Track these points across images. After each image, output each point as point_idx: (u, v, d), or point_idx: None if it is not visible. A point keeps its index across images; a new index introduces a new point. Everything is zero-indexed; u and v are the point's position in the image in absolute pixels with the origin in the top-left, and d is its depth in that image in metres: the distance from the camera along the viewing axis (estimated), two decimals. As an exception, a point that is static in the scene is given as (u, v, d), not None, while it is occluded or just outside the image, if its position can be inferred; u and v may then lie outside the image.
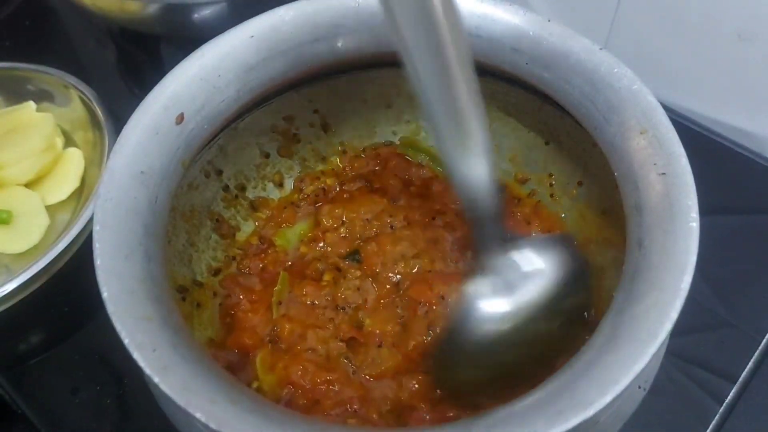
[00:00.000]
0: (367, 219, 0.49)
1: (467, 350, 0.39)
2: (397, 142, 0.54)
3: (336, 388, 0.43)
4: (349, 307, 0.46)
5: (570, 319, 0.41)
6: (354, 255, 0.48)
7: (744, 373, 0.50)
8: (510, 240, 0.39)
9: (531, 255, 0.39)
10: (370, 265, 0.47)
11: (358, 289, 0.46)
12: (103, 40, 0.76)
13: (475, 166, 0.35)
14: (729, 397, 0.49)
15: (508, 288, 0.38)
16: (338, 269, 0.48)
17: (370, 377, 0.43)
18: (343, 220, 0.50)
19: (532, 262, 0.38)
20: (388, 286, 0.46)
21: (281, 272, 0.48)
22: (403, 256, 0.47)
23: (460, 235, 0.48)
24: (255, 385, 0.43)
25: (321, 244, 0.49)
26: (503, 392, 0.40)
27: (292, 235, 0.51)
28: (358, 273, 0.47)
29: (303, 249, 0.49)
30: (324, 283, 0.47)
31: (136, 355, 0.32)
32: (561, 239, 0.42)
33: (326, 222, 0.50)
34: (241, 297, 0.47)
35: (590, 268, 0.43)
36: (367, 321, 0.45)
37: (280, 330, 0.45)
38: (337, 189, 0.53)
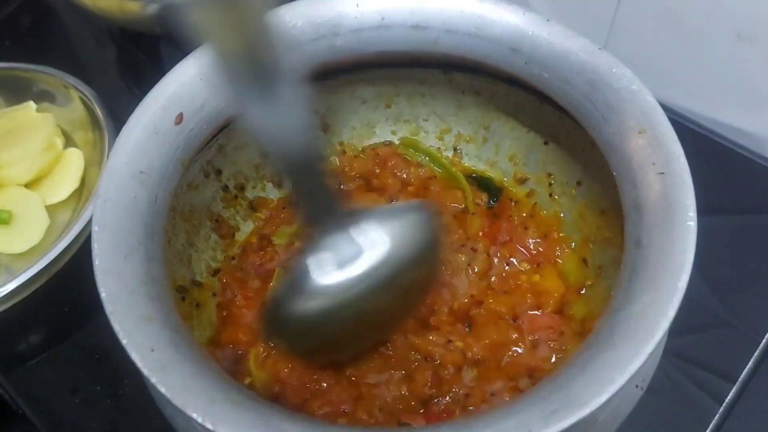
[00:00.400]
0: None
1: (298, 321, 0.37)
2: (397, 143, 0.54)
3: (324, 387, 0.43)
4: None
5: (412, 290, 0.40)
6: None
7: (744, 373, 0.50)
8: (346, 213, 0.36)
9: (369, 228, 0.35)
10: None
11: None
12: (103, 40, 0.76)
13: (281, 102, 0.30)
14: (729, 397, 0.49)
15: (340, 264, 0.35)
16: None
17: (353, 376, 0.43)
18: None
19: (369, 237, 0.35)
20: None
21: (276, 269, 0.48)
22: None
23: (457, 237, 0.48)
24: (247, 381, 0.43)
25: None
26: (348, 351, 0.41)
27: (291, 234, 0.51)
28: None
29: (297, 244, 0.49)
30: None
31: (134, 356, 0.32)
32: (411, 209, 0.38)
33: None
34: (237, 293, 0.47)
35: (440, 240, 0.40)
36: None
37: None
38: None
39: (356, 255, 0.35)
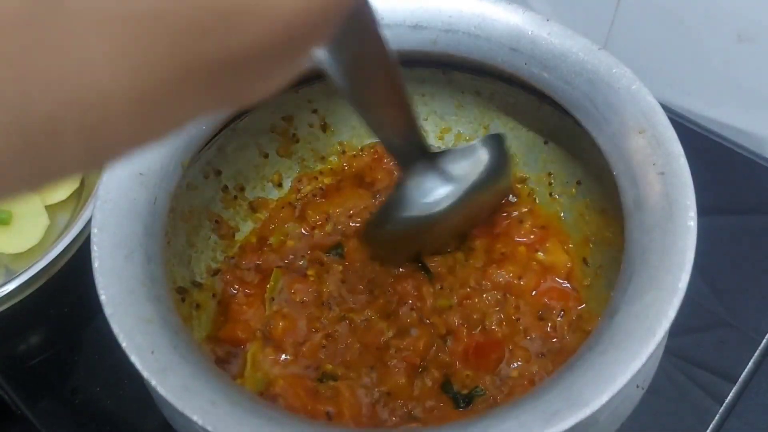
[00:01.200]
0: (350, 215, 0.50)
1: (395, 231, 0.44)
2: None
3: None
4: (335, 303, 0.46)
5: (486, 204, 0.47)
6: (337, 249, 0.48)
7: (744, 373, 0.50)
8: (430, 153, 0.42)
9: (453, 164, 0.42)
10: (351, 261, 0.48)
11: (343, 282, 0.47)
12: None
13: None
14: (729, 397, 0.49)
15: (432, 189, 0.42)
16: (321, 264, 0.48)
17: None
18: (328, 216, 0.50)
19: (453, 170, 0.42)
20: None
21: (274, 269, 0.48)
22: None
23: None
24: (237, 381, 0.43)
25: (305, 238, 0.50)
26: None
27: (286, 234, 0.51)
28: (341, 267, 0.47)
29: (290, 243, 0.49)
30: (311, 279, 0.47)
31: (134, 358, 0.32)
32: (484, 141, 0.44)
33: (312, 217, 0.50)
34: (237, 288, 0.47)
35: (509, 159, 0.48)
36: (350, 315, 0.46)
37: (274, 327, 0.45)
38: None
39: (445, 182, 0.42)
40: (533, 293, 0.46)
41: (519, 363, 0.43)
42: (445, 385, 0.43)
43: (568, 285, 0.46)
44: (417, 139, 0.40)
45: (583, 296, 0.46)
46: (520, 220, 0.49)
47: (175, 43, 0.15)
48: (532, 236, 0.48)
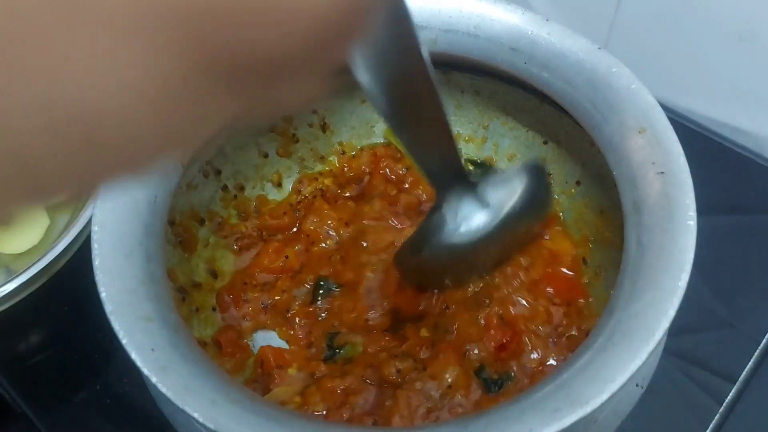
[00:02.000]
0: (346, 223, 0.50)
1: (428, 259, 0.42)
2: (383, 139, 0.54)
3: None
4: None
5: (520, 239, 0.46)
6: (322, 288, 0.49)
7: (744, 373, 0.50)
8: (467, 178, 0.39)
9: (492, 190, 0.40)
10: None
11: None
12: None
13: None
14: (729, 397, 0.49)
15: (465, 220, 0.40)
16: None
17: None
18: (326, 225, 0.50)
19: (492, 197, 0.40)
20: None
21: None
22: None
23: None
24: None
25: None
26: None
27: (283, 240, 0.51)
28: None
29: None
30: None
31: (135, 356, 0.32)
32: (523, 171, 0.42)
33: (310, 227, 0.50)
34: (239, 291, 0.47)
35: (550, 190, 0.46)
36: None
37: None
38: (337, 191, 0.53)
39: (482, 209, 0.40)
40: (539, 279, 0.46)
41: (538, 351, 0.44)
42: (479, 371, 0.44)
43: (573, 274, 0.46)
44: (455, 162, 0.38)
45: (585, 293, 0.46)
46: None
47: (196, 38, 0.15)
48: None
